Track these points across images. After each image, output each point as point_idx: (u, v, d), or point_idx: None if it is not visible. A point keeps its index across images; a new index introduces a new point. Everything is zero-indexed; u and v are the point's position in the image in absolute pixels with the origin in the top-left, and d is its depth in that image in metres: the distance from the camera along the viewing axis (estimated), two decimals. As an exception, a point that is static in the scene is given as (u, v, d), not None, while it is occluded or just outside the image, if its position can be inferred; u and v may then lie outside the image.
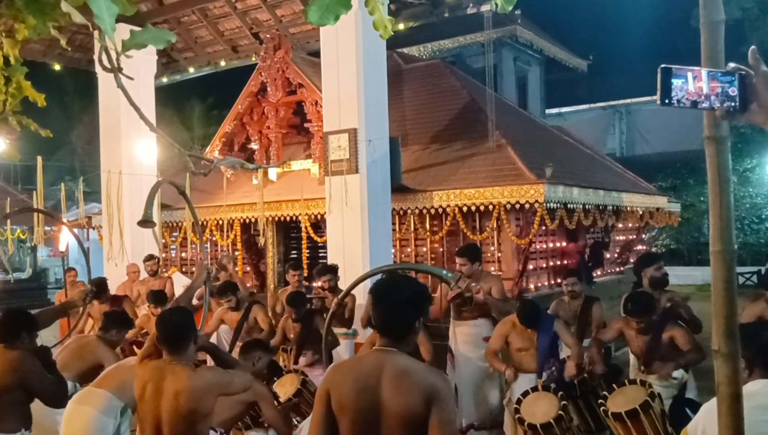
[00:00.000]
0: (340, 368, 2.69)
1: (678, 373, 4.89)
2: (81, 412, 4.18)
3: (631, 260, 11.19)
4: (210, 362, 5.05)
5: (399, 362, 2.53)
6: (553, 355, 5.43)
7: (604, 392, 4.60)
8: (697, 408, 3.29)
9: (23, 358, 3.94)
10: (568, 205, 8.14)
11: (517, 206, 7.76)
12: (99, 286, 7.86)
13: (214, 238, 10.50)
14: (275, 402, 4.41)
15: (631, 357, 5.49)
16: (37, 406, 4.17)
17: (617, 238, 11.19)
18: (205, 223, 10.21)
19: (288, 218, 9.53)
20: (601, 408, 4.47)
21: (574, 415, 4.85)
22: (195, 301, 6.12)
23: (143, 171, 9.73)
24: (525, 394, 4.89)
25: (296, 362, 6.15)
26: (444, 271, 4.49)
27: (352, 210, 7.64)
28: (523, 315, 5.33)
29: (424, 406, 2.44)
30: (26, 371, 3.93)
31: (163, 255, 10.78)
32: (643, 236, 12.07)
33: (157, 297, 6.88)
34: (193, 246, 10.81)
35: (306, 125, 9.96)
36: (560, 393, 4.77)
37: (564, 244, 9.45)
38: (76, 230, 9.29)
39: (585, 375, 5.17)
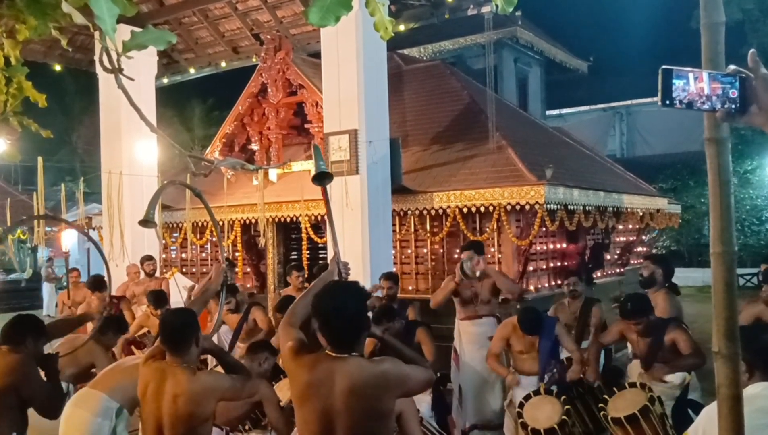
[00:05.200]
0: (300, 362, 2.65)
1: (676, 377, 4.87)
2: (78, 415, 4.16)
3: (632, 262, 11.19)
4: (212, 364, 5.04)
5: (352, 371, 2.53)
6: (554, 357, 5.41)
7: (605, 396, 4.58)
8: (700, 409, 3.29)
9: (22, 362, 3.87)
10: (569, 207, 8.13)
11: (518, 207, 7.76)
12: (96, 282, 7.88)
13: (213, 239, 10.50)
14: (279, 404, 4.40)
15: (634, 359, 5.47)
16: None
17: (617, 239, 11.17)
18: (205, 224, 10.21)
19: (288, 219, 9.53)
20: (601, 413, 4.45)
21: (575, 418, 4.83)
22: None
23: (144, 172, 9.73)
24: (527, 397, 4.86)
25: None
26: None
27: (353, 211, 7.64)
28: (525, 323, 5.27)
29: (385, 398, 2.56)
30: (22, 376, 3.86)
31: (164, 256, 10.77)
32: (644, 238, 12.05)
33: (157, 298, 6.86)
34: (194, 247, 10.80)
35: (306, 126, 9.97)
36: (563, 397, 4.74)
37: (564, 245, 9.44)
38: (76, 231, 9.22)
39: (582, 376, 5.15)
